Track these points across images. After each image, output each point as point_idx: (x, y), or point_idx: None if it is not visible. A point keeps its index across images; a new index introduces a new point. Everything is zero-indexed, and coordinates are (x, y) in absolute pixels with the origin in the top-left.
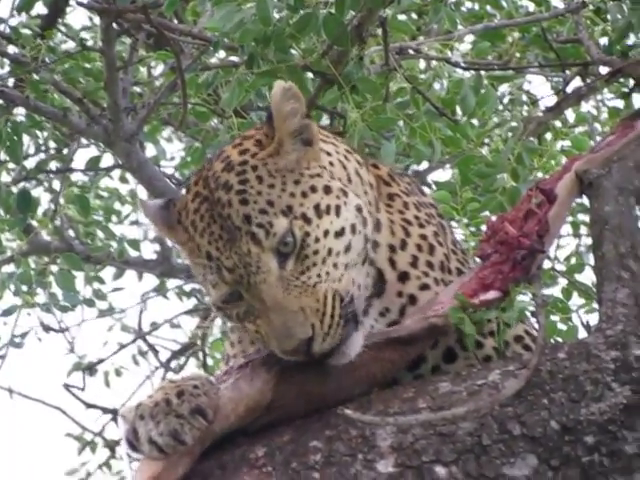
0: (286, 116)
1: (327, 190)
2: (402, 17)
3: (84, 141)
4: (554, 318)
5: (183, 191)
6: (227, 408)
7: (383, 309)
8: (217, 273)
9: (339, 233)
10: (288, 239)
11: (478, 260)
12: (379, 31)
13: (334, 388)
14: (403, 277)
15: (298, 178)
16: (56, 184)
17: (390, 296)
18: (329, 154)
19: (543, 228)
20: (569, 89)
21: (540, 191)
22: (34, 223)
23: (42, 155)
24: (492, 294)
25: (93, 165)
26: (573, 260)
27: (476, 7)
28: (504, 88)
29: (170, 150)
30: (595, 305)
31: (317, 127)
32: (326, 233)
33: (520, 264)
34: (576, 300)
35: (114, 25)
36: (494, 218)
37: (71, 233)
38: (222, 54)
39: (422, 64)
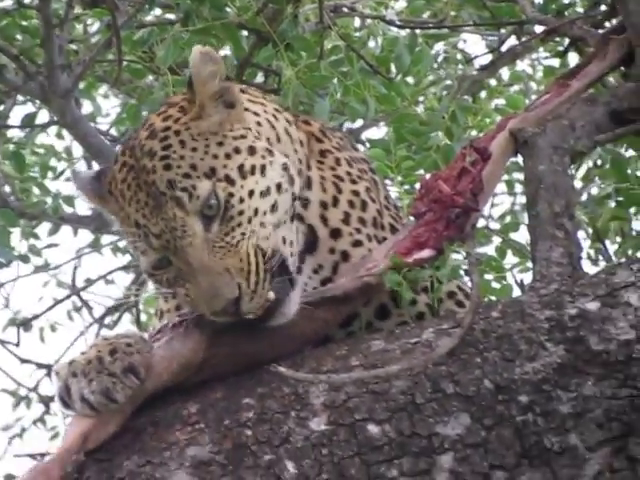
0: (205, 80)
1: (251, 151)
2: None
3: (20, 98)
4: (488, 277)
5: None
6: (160, 367)
7: (316, 266)
8: (145, 240)
9: (264, 193)
10: (212, 201)
11: (412, 218)
12: None
13: (266, 347)
14: (335, 234)
15: (221, 140)
16: None
17: (322, 253)
18: (256, 114)
19: (477, 186)
20: (504, 48)
21: (474, 149)
22: None
23: None
24: (426, 252)
25: (29, 122)
26: (508, 219)
27: None
28: (439, 46)
29: (105, 107)
30: (529, 264)
31: (242, 88)
32: (251, 193)
33: (454, 222)
34: (510, 259)
35: None
36: (428, 176)
37: (7, 189)
38: (158, 12)
39: (357, 22)
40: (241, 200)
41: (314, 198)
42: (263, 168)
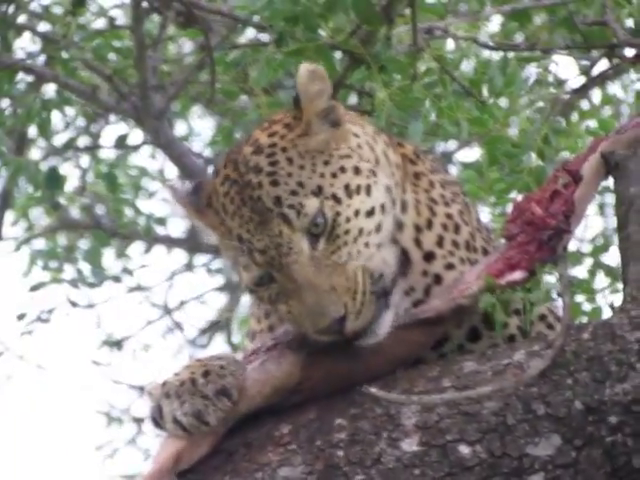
0: (313, 97)
1: (356, 170)
2: None
3: (113, 118)
4: (579, 298)
5: (211, 173)
6: (253, 389)
7: (408, 288)
8: (248, 255)
9: (369, 213)
10: (319, 220)
11: (504, 240)
12: (407, 11)
13: (361, 370)
14: (429, 256)
15: (327, 159)
16: (85, 161)
17: (415, 275)
18: (357, 135)
19: (569, 208)
20: (595, 71)
21: (566, 172)
22: (62, 200)
23: (71, 132)
24: (518, 274)
25: (122, 142)
26: (599, 241)
27: None
28: (531, 69)
29: (199, 128)
30: (620, 286)
31: (344, 109)
32: (357, 213)
33: (546, 244)
34: (601, 281)
35: (144, 3)
36: (520, 198)
37: (99, 210)
38: (251, 33)
39: (450, 44)
40: (347, 219)
41: (409, 221)
42: (368, 188)
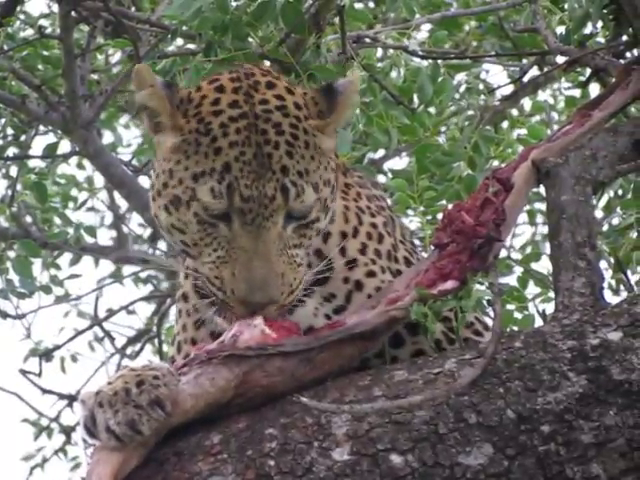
0: (350, 106)
1: (332, 190)
2: (359, 5)
3: (42, 128)
4: (510, 307)
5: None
6: (187, 404)
7: (328, 295)
8: (227, 188)
9: (319, 232)
10: (311, 214)
11: (433, 248)
12: (336, 19)
13: (295, 386)
14: (351, 263)
15: (326, 165)
16: (13, 170)
17: (337, 282)
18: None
19: (500, 217)
20: (526, 78)
21: (497, 180)
22: None
23: (0, 142)
24: (450, 284)
25: (50, 152)
26: (529, 249)
27: None
28: (461, 77)
29: (127, 137)
30: (551, 294)
31: None
32: (318, 229)
33: (477, 253)
34: (532, 289)
35: (72, 13)
36: (450, 207)
37: (28, 219)
38: (180, 42)
39: (379, 52)
40: (317, 230)
41: (335, 230)
42: (328, 210)
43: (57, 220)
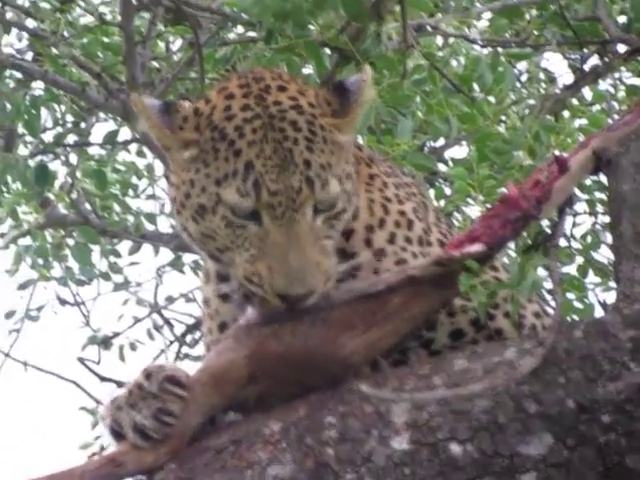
0: (365, 103)
1: (353, 183)
2: None
3: (102, 115)
4: (570, 296)
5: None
6: (197, 389)
7: None
8: (253, 186)
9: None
10: (338, 204)
11: None
12: (397, 8)
13: (317, 343)
14: (379, 254)
15: (347, 159)
16: (73, 158)
17: (366, 274)
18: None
19: (544, 196)
20: (587, 67)
21: (556, 160)
22: (51, 196)
23: (60, 129)
24: (477, 246)
25: (110, 139)
26: (589, 238)
27: None
28: (521, 65)
29: None
30: (612, 283)
31: None
32: (346, 219)
33: (511, 224)
34: (592, 278)
35: (133, 0)
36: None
37: (88, 207)
38: (240, 29)
39: (440, 41)
40: (344, 220)
41: (359, 226)
42: (352, 203)
43: (117, 207)
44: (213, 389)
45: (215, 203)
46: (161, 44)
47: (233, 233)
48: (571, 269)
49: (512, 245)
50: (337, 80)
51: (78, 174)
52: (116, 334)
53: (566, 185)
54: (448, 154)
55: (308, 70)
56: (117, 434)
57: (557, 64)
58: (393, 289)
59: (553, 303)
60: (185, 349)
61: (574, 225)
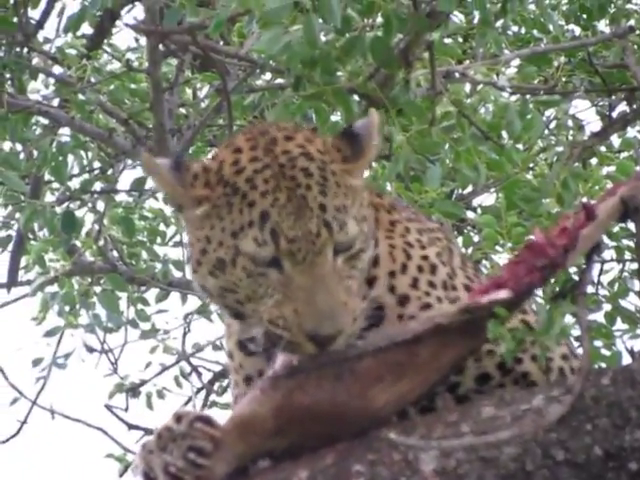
0: (373, 147)
1: (369, 226)
2: (448, 41)
3: (129, 162)
4: (598, 343)
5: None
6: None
7: None
8: (271, 235)
9: (365, 263)
10: (357, 244)
11: None
12: (425, 54)
13: (345, 399)
14: (403, 300)
15: (361, 202)
16: (100, 205)
17: (391, 321)
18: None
19: (571, 243)
20: (615, 114)
21: (583, 207)
22: (78, 243)
23: (87, 176)
24: (503, 293)
25: (138, 186)
26: (617, 285)
27: (522, 31)
28: (550, 112)
29: None
30: (639, 331)
31: None
32: (365, 259)
33: (538, 271)
34: (620, 325)
35: (160, 46)
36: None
37: (115, 254)
38: (268, 76)
39: (468, 88)
40: (364, 260)
41: (381, 273)
42: (370, 243)
43: (144, 255)
44: (239, 438)
45: (234, 255)
46: (188, 91)
47: (255, 282)
48: (599, 316)
49: (540, 292)
50: (345, 127)
51: (105, 221)
52: (143, 382)
53: (593, 232)
54: (476, 201)
55: (336, 117)
56: (148, 476)
57: (585, 111)
58: (420, 338)
59: (581, 350)
60: (213, 397)
61: (602, 272)
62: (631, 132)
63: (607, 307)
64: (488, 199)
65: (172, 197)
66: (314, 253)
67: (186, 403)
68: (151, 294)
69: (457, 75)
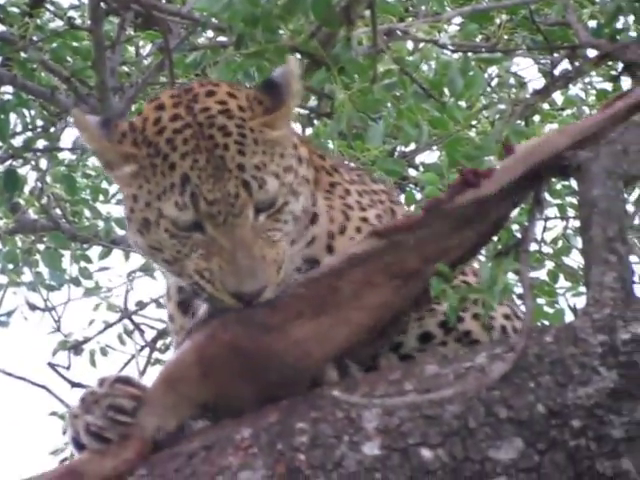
0: (294, 95)
1: (296, 174)
2: None
3: (71, 120)
4: (541, 301)
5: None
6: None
7: None
8: (190, 198)
9: (295, 218)
10: (277, 201)
11: None
12: (367, 12)
13: (263, 333)
14: None
15: (282, 152)
16: (43, 163)
17: None
18: (295, 143)
19: (487, 173)
20: (557, 72)
21: (503, 146)
22: (21, 201)
23: (29, 134)
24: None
25: (80, 144)
26: (560, 243)
27: None
28: (492, 70)
29: None
30: (582, 288)
31: None
32: (291, 212)
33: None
34: (563, 283)
35: (102, 4)
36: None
37: (58, 212)
38: (210, 34)
39: (410, 46)
40: (290, 211)
41: (319, 231)
42: (298, 194)
43: (87, 213)
44: (167, 390)
45: (157, 217)
46: (131, 49)
47: (179, 243)
48: (542, 274)
49: (482, 250)
50: (266, 78)
51: (48, 179)
52: (87, 339)
53: (512, 166)
54: (419, 159)
55: None
56: (78, 444)
57: (527, 69)
58: (340, 273)
59: (523, 308)
60: (156, 354)
61: (545, 229)
62: (573, 90)
63: (550, 265)
64: (430, 157)
65: (100, 154)
66: (234, 215)
67: (129, 361)
68: (94, 252)
69: (399, 33)
